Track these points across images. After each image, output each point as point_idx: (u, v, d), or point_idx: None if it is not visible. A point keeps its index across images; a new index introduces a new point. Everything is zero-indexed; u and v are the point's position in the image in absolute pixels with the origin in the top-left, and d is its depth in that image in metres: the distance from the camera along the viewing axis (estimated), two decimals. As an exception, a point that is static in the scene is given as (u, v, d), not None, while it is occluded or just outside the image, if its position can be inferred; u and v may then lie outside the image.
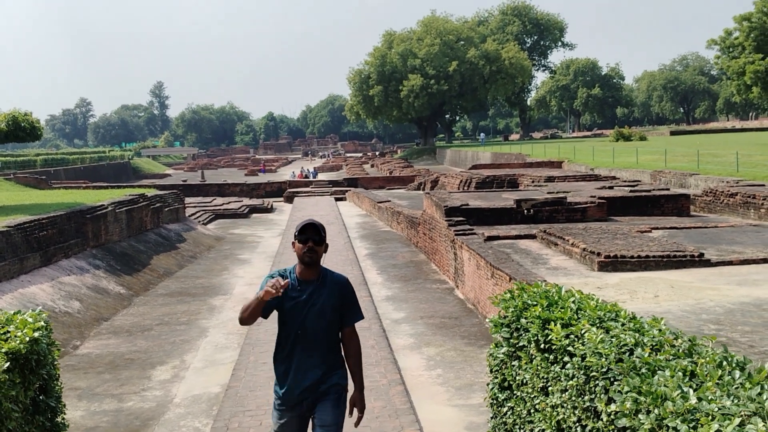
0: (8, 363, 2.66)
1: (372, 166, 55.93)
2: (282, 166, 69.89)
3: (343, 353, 3.77)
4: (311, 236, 3.62)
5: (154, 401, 6.72)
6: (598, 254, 8.98)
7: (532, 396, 2.96)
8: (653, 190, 15.38)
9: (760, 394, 1.72)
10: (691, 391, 1.85)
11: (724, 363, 2.06)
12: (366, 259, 14.64)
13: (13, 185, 31.27)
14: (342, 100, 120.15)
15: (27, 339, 2.91)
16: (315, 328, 3.60)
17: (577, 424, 2.47)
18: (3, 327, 2.98)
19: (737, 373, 1.92)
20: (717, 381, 1.90)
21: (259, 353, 7.71)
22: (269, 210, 26.50)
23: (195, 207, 23.64)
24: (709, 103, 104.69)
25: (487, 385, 3.84)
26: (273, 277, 3.57)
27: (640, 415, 1.92)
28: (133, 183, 38.58)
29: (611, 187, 16.56)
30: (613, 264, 8.76)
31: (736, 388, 1.83)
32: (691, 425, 1.71)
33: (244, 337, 8.57)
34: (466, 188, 21.42)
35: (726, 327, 5.95)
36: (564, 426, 2.59)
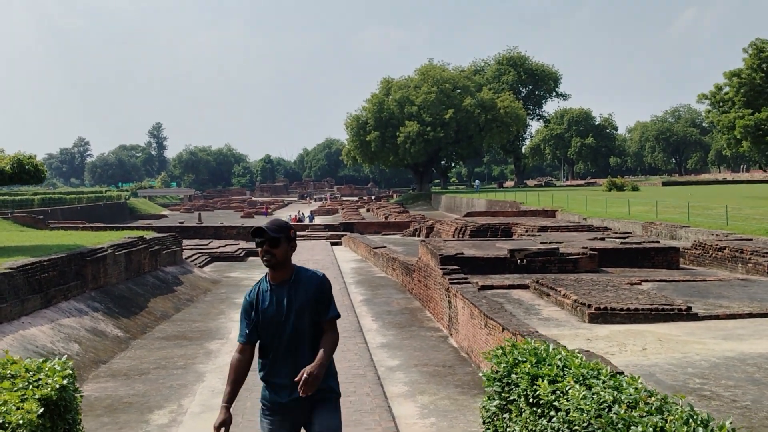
0: (42, 409, 2.84)
1: (368, 210, 56.35)
2: (278, 209, 70.21)
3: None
4: (265, 239, 3.55)
5: (151, 447, 6.83)
6: (589, 306, 9.22)
7: None
8: (644, 242, 15.71)
9: None
10: None
11: (690, 420, 2.29)
12: (361, 305, 14.81)
13: (11, 225, 31.36)
14: (339, 144, 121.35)
15: (57, 386, 3.11)
16: (298, 328, 3.54)
17: None
18: (34, 375, 3.17)
19: (701, 430, 2.15)
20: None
21: (256, 399, 7.77)
22: (266, 254, 26.65)
23: (192, 249, 23.80)
24: (700, 154, 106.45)
25: None
26: (248, 299, 3.63)
27: None
28: (130, 224, 38.59)
29: (603, 239, 16.88)
30: (603, 316, 8.98)
31: None
32: None
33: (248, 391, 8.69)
34: (461, 236, 21.73)
35: (710, 381, 6.14)
36: None
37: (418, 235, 28.24)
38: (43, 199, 50.64)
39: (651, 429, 2.22)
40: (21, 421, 2.63)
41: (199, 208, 66.01)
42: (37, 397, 2.92)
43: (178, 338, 11.83)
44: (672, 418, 2.33)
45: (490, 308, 9.28)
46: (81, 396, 3.49)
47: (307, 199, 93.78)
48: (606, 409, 2.54)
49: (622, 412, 2.46)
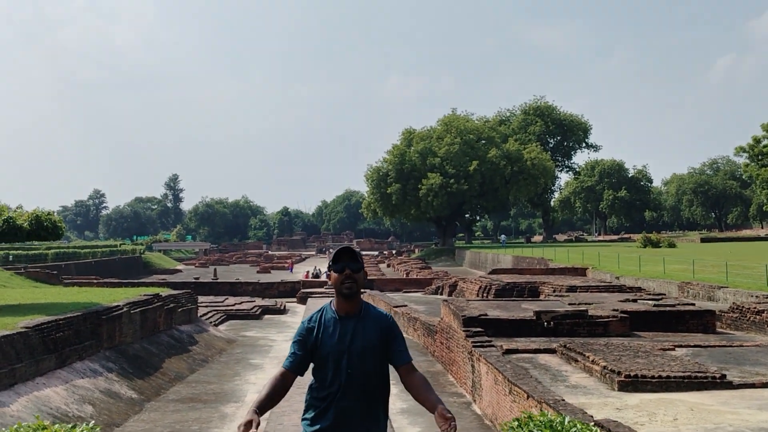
0: None
1: (388, 265, 55.79)
2: (296, 263, 68.89)
3: (410, 393, 3.31)
4: (348, 263, 3.27)
5: None
6: (619, 373, 8.81)
7: None
8: (678, 305, 15.13)
9: None
10: None
11: None
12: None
13: (24, 280, 31.62)
14: (359, 197, 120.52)
15: None
16: (361, 370, 3.20)
17: None
18: None
19: None
20: None
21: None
22: (282, 311, 26.38)
23: (207, 306, 23.67)
24: (741, 209, 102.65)
25: None
26: (307, 325, 3.31)
27: None
28: (145, 279, 38.66)
29: (635, 300, 16.33)
30: (633, 384, 8.57)
31: None
32: None
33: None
34: (485, 295, 21.30)
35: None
36: None
37: (441, 293, 27.80)
38: (57, 254, 50.77)
39: None
40: None
41: (215, 263, 66.07)
42: None
43: (192, 401, 11.60)
44: None
45: (515, 374, 8.92)
46: None
47: (326, 253, 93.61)
48: None
49: None
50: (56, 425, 3.41)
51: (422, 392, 3.25)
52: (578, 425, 3.40)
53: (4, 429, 3.32)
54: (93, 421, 3.66)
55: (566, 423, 3.49)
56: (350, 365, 3.19)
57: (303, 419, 3.29)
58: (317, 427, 3.19)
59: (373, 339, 3.25)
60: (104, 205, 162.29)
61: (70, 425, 3.42)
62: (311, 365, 3.33)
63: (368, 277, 37.12)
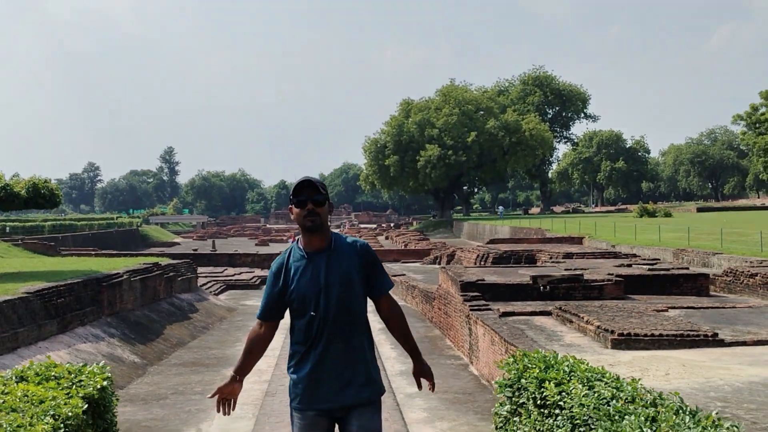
0: (86, 405, 3.02)
1: (387, 238, 55.87)
2: (293, 236, 69.29)
3: (388, 329, 3.26)
4: (310, 196, 3.04)
5: (169, 470, 6.78)
6: (612, 332, 8.97)
7: None
8: (672, 269, 15.33)
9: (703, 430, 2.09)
10: (649, 430, 2.29)
11: (680, 411, 2.50)
12: (379, 333, 14.62)
13: (22, 251, 31.73)
14: (357, 170, 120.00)
15: (98, 386, 3.29)
16: (341, 307, 3.00)
17: None
18: (77, 376, 3.36)
19: (687, 418, 2.36)
20: (671, 424, 2.31)
21: (275, 423, 7.79)
22: (282, 281, 26.55)
23: (206, 277, 23.88)
24: (738, 178, 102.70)
25: None
26: (275, 269, 3.12)
27: None
28: (143, 251, 38.62)
29: (630, 265, 16.53)
30: (626, 342, 8.74)
31: (684, 428, 2.24)
32: None
33: (259, 408, 8.65)
34: (482, 263, 21.49)
35: (732, 404, 5.97)
36: None
37: (439, 263, 28.02)
38: (54, 226, 50.70)
39: (643, 418, 2.42)
40: (70, 414, 2.83)
41: (213, 236, 66.06)
42: (80, 395, 3.07)
43: (195, 365, 11.80)
44: (663, 409, 2.53)
45: (511, 334, 9.10)
46: (117, 399, 3.61)
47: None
48: (605, 404, 2.72)
49: (619, 405, 2.65)
50: (66, 364, 3.56)
51: (401, 337, 3.24)
52: (570, 359, 3.54)
53: (16, 367, 3.47)
54: (103, 361, 3.80)
55: (559, 357, 3.64)
56: (328, 303, 2.99)
57: (288, 368, 3.12)
58: (301, 374, 3.02)
59: (350, 270, 3.04)
60: (99, 178, 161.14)
61: (81, 364, 3.56)
62: (287, 311, 3.15)
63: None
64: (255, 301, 20.91)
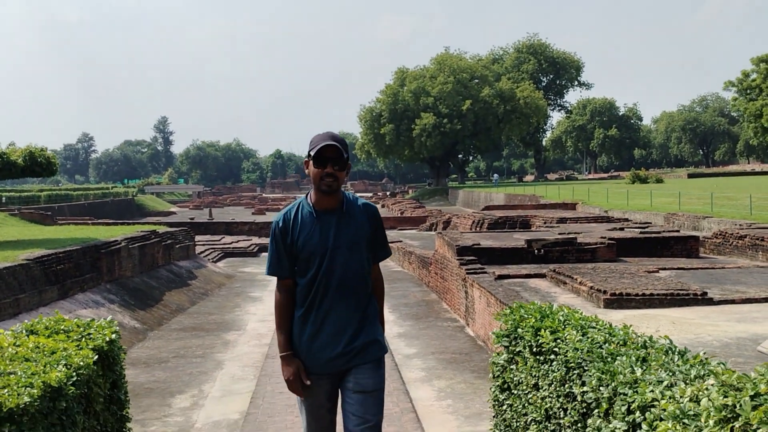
0: (96, 356, 3.12)
1: (383, 206, 55.97)
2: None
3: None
4: (332, 158, 2.89)
5: (176, 426, 6.95)
6: (604, 292, 9.15)
7: (526, 392, 3.44)
8: (663, 232, 15.51)
9: (689, 369, 2.22)
10: (639, 369, 2.40)
11: (669, 351, 2.63)
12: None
13: (19, 221, 31.72)
14: (352, 138, 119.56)
15: (107, 339, 3.39)
16: (348, 267, 2.94)
17: (560, 408, 3.01)
18: (86, 330, 3.47)
19: (676, 357, 2.48)
20: (661, 362, 2.43)
21: (276, 383, 7.96)
22: (280, 249, 26.68)
23: (204, 245, 23.96)
24: (729, 145, 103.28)
25: (490, 389, 4.21)
26: (281, 223, 3.00)
27: (601, 388, 2.52)
28: (139, 220, 38.67)
29: (622, 229, 16.70)
30: (618, 301, 8.92)
31: (674, 366, 2.35)
32: (634, 389, 2.30)
33: (260, 369, 8.84)
34: (478, 229, 21.64)
35: (720, 358, 6.14)
36: (550, 412, 3.11)
37: (435, 230, 28.19)
38: (50, 196, 50.67)
39: (635, 358, 2.54)
40: (81, 363, 2.92)
41: (209, 205, 65.88)
42: (90, 347, 3.17)
43: (195, 330, 11.96)
44: (654, 350, 2.68)
45: (506, 296, 9.26)
46: (125, 353, 3.71)
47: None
48: (598, 347, 2.85)
49: (612, 348, 2.78)
50: (75, 319, 3.65)
51: (380, 300, 3.18)
52: (565, 309, 3.67)
53: (25, 321, 3.56)
54: (110, 316, 3.90)
55: (554, 308, 3.76)
56: (333, 265, 2.92)
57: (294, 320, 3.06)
58: (303, 337, 2.98)
59: (359, 234, 2.98)
60: (93, 148, 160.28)
61: (88, 319, 3.66)
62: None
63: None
64: (253, 267, 21.05)
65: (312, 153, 2.91)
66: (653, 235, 14.66)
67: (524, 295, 9.84)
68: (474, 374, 8.56)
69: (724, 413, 1.65)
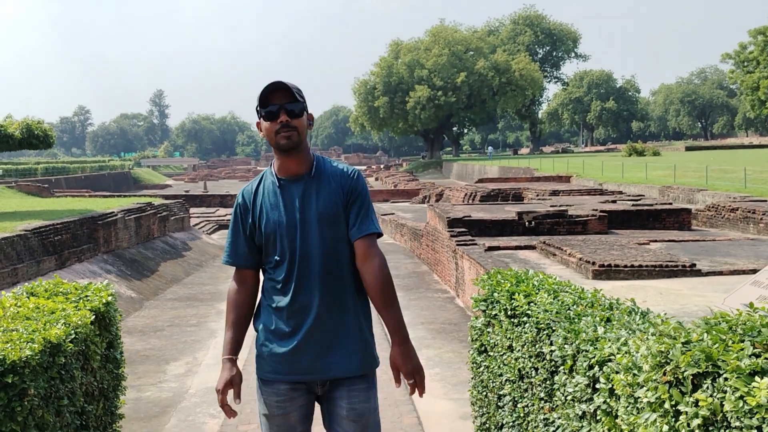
0: (93, 316, 3.25)
1: (377, 179, 55.96)
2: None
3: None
4: (283, 104, 2.34)
5: (171, 392, 7.15)
6: (593, 263, 9.28)
7: (501, 354, 3.58)
8: (655, 204, 15.66)
9: (647, 327, 2.32)
10: (602, 328, 2.51)
11: (632, 312, 2.75)
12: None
13: (16, 193, 31.81)
14: (346, 112, 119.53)
15: (104, 301, 3.52)
16: (324, 246, 2.36)
17: (532, 368, 3.15)
18: (83, 292, 3.61)
19: (637, 317, 2.60)
20: (623, 323, 2.54)
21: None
22: (273, 221, 26.86)
23: (198, 217, 24.16)
24: (727, 118, 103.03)
25: (469, 351, 4.36)
26: (240, 199, 2.49)
27: (566, 346, 2.64)
28: (135, 193, 38.84)
29: (614, 201, 16.84)
30: (606, 272, 9.05)
31: (634, 325, 2.47)
32: (595, 346, 2.42)
33: (252, 338, 8.99)
34: (470, 201, 21.77)
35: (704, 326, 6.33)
36: (523, 372, 3.27)
37: (428, 202, 28.32)
38: (47, 168, 50.69)
39: (599, 318, 2.67)
40: (79, 322, 3.02)
41: (204, 178, 65.98)
42: (88, 308, 3.30)
43: (189, 299, 12.13)
44: (617, 311, 2.79)
45: (496, 267, 9.42)
46: (120, 315, 3.84)
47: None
48: (566, 309, 2.97)
49: (579, 309, 2.90)
50: (73, 282, 3.78)
51: (377, 304, 2.44)
52: (540, 275, 3.80)
53: (26, 284, 3.68)
54: (115, 279, 4.02)
55: (530, 273, 3.91)
56: (306, 245, 2.35)
57: (255, 325, 2.57)
58: (274, 326, 2.42)
59: (331, 204, 2.38)
60: (90, 122, 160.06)
61: (86, 282, 3.78)
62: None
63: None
64: (247, 239, 21.16)
65: (258, 105, 2.38)
66: (645, 207, 14.79)
67: (514, 267, 9.99)
68: (462, 344, 8.74)
69: (659, 359, 1.80)
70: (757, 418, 1.40)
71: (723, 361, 1.57)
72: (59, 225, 11.90)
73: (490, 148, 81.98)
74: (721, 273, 9.09)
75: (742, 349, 1.58)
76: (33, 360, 2.45)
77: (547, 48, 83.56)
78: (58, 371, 2.73)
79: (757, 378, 1.46)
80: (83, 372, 3.11)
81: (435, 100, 63.56)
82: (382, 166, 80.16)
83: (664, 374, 1.71)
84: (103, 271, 12.48)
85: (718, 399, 1.53)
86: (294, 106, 2.36)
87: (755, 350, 1.58)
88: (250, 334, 2.72)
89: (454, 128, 76.55)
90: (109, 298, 3.57)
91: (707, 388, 1.58)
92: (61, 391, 2.76)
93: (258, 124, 2.45)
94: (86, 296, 3.49)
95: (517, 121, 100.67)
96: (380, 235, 2.50)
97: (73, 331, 2.91)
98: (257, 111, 2.40)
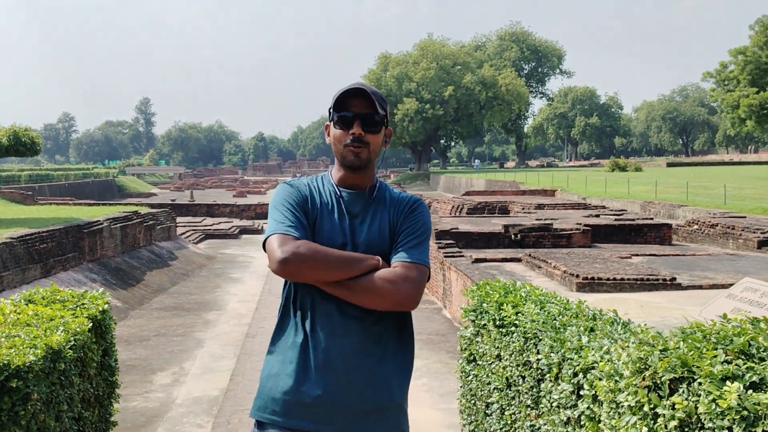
0: (90, 323, 3.32)
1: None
2: (271, 188, 69.34)
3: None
4: (361, 114, 2.01)
5: (157, 402, 7.16)
6: (577, 276, 9.47)
7: (490, 363, 3.68)
8: (637, 219, 15.92)
9: (628, 336, 2.45)
10: (586, 337, 2.63)
11: (614, 322, 2.87)
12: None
13: None
14: None
15: (100, 309, 3.60)
16: None
17: (519, 376, 3.26)
18: (80, 300, 3.68)
19: (619, 327, 2.73)
20: (605, 332, 2.67)
21: (255, 362, 8.17)
22: (260, 231, 26.76)
23: (185, 226, 24.01)
24: (708, 135, 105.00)
25: (458, 360, 4.45)
26: (301, 187, 2.11)
27: (551, 354, 2.76)
28: (120, 201, 38.48)
29: (598, 216, 17.10)
30: (590, 285, 9.24)
31: (616, 335, 2.60)
32: (579, 354, 2.54)
33: (240, 348, 9.03)
34: (457, 213, 21.95)
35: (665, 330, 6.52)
36: (511, 380, 3.36)
37: (417, 213, 28.38)
38: (30, 176, 49.97)
39: (583, 328, 2.78)
40: (78, 329, 3.09)
41: (190, 187, 65.44)
42: (85, 315, 3.37)
43: (176, 309, 12.11)
44: (600, 322, 2.90)
45: (482, 279, 9.55)
46: (115, 322, 3.89)
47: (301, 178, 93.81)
48: (552, 319, 3.09)
49: (564, 319, 3.02)
50: (69, 290, 3.84)
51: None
52: (527, 286, 3.92)
53: (23, 291, 3.74)
54: (102, 288, 4.08)
55: (517, 285, 4.03)
56: None
57: (270, 351, 2.06)
58: (298, 357, 1.96)
59: (384, 231, 2.06)
60: (74, 128, 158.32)
61: (82, 290, 3.85)
62: None
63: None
64: (234, 250, 21.16)
65: (332, 108, 2.04)
66: (628, 222, 15.04)
67: (501, 279, 10.14)
68: (449, 354, 8.84)
69: (638, 365, 1.93)
70: (728, 420, 1.53)
71: (697, 367, 1.70)
72: (45, 233, 11.86)
73: (477, 161, 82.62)
74: (700, 287, 9.31)
75: (715, 356, 1.71)
76: (36, 365, 2.52)
77: (533, 64, 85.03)
78: (59, 377, 2.79)
79: (728, 382, 1.59)
80: (81, 378, 3.18)
81: (423, 113, 64.36)
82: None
83: (644, 379, 1.83)
84: (88, 279, 12.44)
85: (692, 402, 1.66)
86: (372, 119, 2.02)
87: (727, 357, 1.71)
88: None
89: (442, 141, 77.28)
90: (105, 306, 3.64)
91: (683, 392, 1.71)
92: (60, 397, 2.82)
93: (327, 127, 2.12)
94: (83, 304, 3.55)
95: (504, 135, 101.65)
96: (427, 269, 2.05)
97: (72, 338, 2.98)
98: (329, 112, 2.07)
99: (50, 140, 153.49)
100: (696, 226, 15.22)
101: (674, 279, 9.39)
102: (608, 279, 9.29)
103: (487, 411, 3.75)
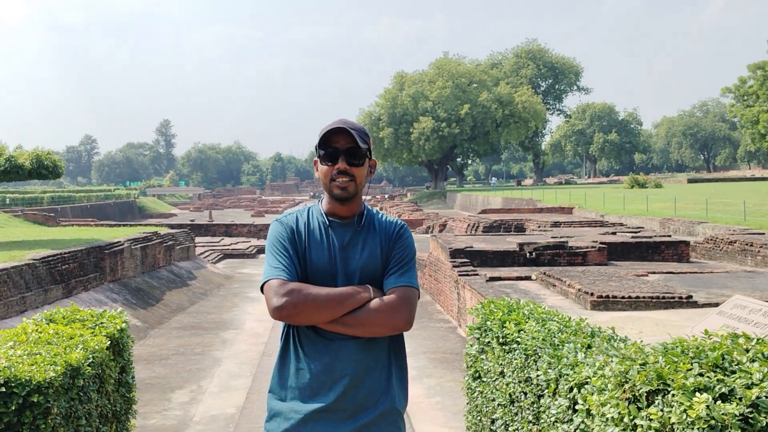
0: (109, 342, 3.46)
1: (381, 209, 56.39)
2: (290, 208, 70.15)
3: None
4: (345, 150, 2.17)
5: (175, 419, 7.29)
6: (592, 294, 9.46)
7: (494, 379, 3.76)
8: (654, 236, 15.83)
9: (612, 353, 2.50)
10: (582, 354, 2.72)
11: (611, 339, 2.96)
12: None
13: (22, 222, 32.09)
14: None
15: (118, 328, 3.75)
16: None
17: (521, 392, 3.33)
18: (99, 319, 3.83)
19: (615, 343, 2.79)
20: (602, 349, 2.72)
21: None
22: (278, 251, 27.03)
23: (204, 246, 24.32)
24: (729, 150, 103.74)
25: (464, 377, 4.54)
26: (290, 224, 2.26)
27: (549, 370, 2.85)
28: (141, 222, 39.05)
29: (614, 233, 17.02)
30: (604, 303, 9.22)
31: (612, 351, 2.63)
32: (575, 370, 2.61)
33: (257, 366, 9.16)
34: (473, 232, 21.98)
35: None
36: (513, 396, 3.43)
37: (431, 232, 28.53)
38: (53, 197, 50.91)
39: (581, 345, 2.88)
40: (96, 347, 3.23)
41: (209, 207, 66.28)
42: (103, 334, 3.52)
43: (194, 328, 12.28)
44: (597, 339, 3.00)
45: (496, 297, 9.60)
46: (132, 341, 4.05)
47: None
48: (552, 336, 3.18)
49: (563, 336, 3.12)
50: (89, 309, 4.00)
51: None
52: (531, 305, 4.00)
53: (44, 311, 3.90)
54: (121, 308, 4.24)
55: (521, 303, 4.11)
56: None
57: (280, 363, 2.35)
58: (302, 375, 2.22)
59: (376, 256, 2.22)
60: (96, 151, 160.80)
61: (101, 310, 4.00)
62: None
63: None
64: (251, 269, 21.37)
65: (318, 145, 2.21)
66: (645, 239, 14.97)
67: (514, 297, 10.18)
68: (463, 373, 8.87)
69: (620, 379, 2.02)
70: (698, 429, 1.62)
71: (671, 379, 1.79)
72: (66, 254, 12.13)
73: (493, 178, 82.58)
74: (716, 305, 9.21)
75: (690, 370, 1.80)
76: (56, 381, 2.65)
77: (550, 81, 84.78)
78: (77, 392, 2.92)
79: (698, 393, 1.68)
80: (99, 394, 3.30)
81: (439, 132, 64.42)
82: (386, 197, 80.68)
83: (624, 392, 1.92)
84: (108, 299, 12.68)
85: (666, 413, 1.75)
86: (355, 153, 2.18)
87: (701, 370, 1.79)
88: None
89: (458, 159, 77.29)
90: (123, 325, 3.78)
91: (658, 403, 1.80)
92: (79, 412, 2.95)
93: (315, 163, 2.29)
94: (101, 323, 3.70)
95: (521, 153, 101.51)
96: (417, 291, 2.25)
97: (90, 356, 3.11)
98: (316, 149, 2.24)
99: (72, 162, 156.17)
100: (714, 243, 15.11)
101: (690, 297, 9.33)
102: (623, 297, 9.27)
103: (492, 427, 3.82)
